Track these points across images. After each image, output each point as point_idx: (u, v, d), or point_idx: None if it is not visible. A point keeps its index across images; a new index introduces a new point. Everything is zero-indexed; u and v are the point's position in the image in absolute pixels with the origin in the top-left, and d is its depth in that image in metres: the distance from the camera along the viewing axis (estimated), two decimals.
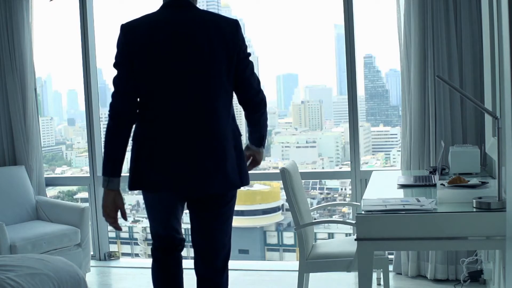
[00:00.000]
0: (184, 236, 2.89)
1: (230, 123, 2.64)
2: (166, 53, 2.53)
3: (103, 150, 2.64)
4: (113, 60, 2.60)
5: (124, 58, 2.56)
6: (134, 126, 2.64)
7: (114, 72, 2.60)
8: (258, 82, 2.71)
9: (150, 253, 2.87)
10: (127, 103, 2.57)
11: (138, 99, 2.61)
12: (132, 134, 2.64)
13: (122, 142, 2.57)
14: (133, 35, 2.55)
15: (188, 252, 2.80)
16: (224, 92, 2.59)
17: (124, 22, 2.59)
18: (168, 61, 2.53)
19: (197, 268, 2.77)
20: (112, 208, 2.60)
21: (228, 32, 2.57)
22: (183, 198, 2.73)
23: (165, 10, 2.59)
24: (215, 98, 2.57)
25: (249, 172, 2.78)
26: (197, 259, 2.77)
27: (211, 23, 2.57)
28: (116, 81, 2.58)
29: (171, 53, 2.53)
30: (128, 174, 2.67)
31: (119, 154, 2.58)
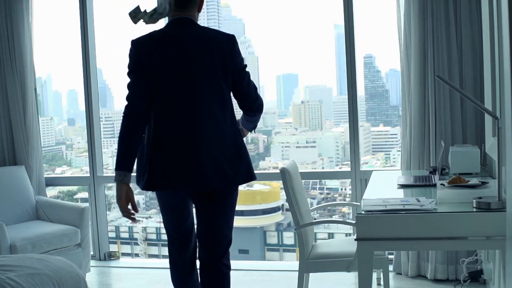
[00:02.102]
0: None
1: (229, 127, 2.84)
2: (169, 63, 2.76)
3: (118, 147, 2.80)
4: (127, 70, 2.81)
5: (136, 66, 2.79)
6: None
7: (127, 79, 2.81)
8: (255, 89, 2.94)
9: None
10: (142, 102, 2.76)
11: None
12: None
13: (137, 139, 2.78)
14: (141, 47, 2.80)
15: None
16: (222, 98, 2.82)
17: (134, 38, 2.84)
18: (171, 71, 2.76)
19: (200, 256, 2.99)
20: (125, 201, 2.78)
21: (225, 45, 2.82)
22: (186, 195, 2.93)
23: (170, 27, 2.84)
24: (212, 103, 2.79)
25: None
26: (200, 249, 2.99)
27: (210, 38, 2.83)
28: (131, 84, 2.79)
29: (174, 63, 2.76)
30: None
31: (134, 151, 2.79)
